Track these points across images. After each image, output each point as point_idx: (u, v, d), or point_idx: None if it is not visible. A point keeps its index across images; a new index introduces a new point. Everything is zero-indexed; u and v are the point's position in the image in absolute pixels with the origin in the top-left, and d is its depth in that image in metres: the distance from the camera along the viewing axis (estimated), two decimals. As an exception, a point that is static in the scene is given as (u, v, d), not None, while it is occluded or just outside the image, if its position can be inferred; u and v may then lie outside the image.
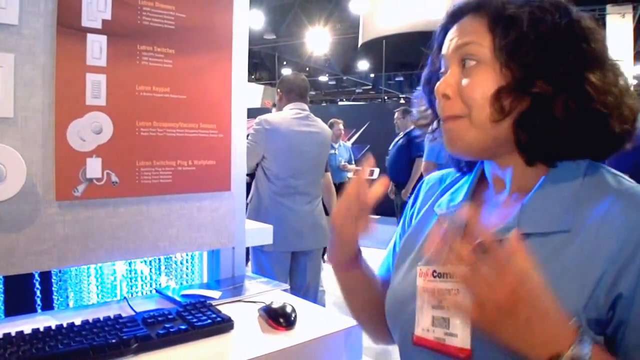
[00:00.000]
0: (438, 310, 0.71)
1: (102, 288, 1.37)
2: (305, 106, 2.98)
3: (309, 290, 2.99)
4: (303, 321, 1.16)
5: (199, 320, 1.08)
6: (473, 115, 0.71)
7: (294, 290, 2.97)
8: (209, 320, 1.08)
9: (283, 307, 1.18)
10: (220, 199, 1.38)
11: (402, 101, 13.53)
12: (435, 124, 0.85)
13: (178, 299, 1.27)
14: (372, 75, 15.05)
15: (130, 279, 1.42)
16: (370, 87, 16.22)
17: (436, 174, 0.96)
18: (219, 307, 1.20)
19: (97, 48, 1.13)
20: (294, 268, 2.99)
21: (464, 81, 0.71)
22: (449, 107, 0.73)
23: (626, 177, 0.70)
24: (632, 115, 0.69)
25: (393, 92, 15.89)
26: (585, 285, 0.62)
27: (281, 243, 2.63)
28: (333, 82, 16.91)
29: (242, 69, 1.42)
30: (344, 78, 15.91)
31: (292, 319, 1.15)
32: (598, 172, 0.70)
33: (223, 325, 1.09)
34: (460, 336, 0.69)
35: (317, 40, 11.31)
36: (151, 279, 1.48)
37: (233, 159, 1.39)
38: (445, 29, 0.79)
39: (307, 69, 13.17)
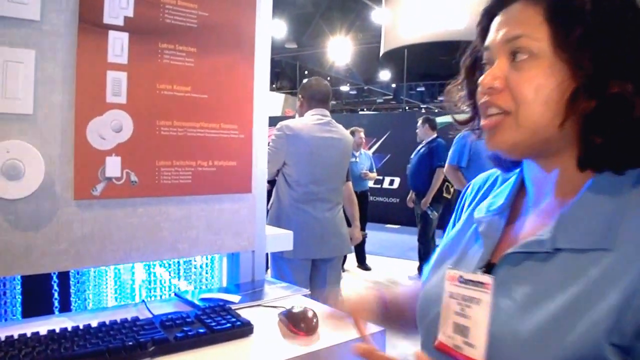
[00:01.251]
0: (460, 317, 0.68)
1: (120, 291, 1.35)
2: (327, 112, 2.94)
3: (328, 299, 2.93)
4: (324, 327, 1.12)
5: (218, 324, 1.04)
6: (521, 113, 0.65)
7: (315, 298, 2.92)
8: (228, 324, 1.05)
9: (304, 312, 1.14)
10: (240, 201, 1.35)
11: (423, 111, 13.46)
12: (476, 121, 0.79)
13: (197, 302, 1.24)
14: (393, 85, 14.99)
15: (150, 282, 1.40)
16: (391, 97, 16.16)
17: (482, 176, 0.90)
18: (238, 311, 1.17)
19: (118, 45, 1.12)
20: (314, 275, 2.94)
21: (514, 75, 0.65)
22: (495, 100, 0.67)
23: None
24: None
25: (414, 102, 15.81)
26: (614, 306, 0.56)
27: (302, 250, 2.59)
28: (354, 92, 16.91)
29: (265, 69, 1.39)
30: (365, 88, 15.89)
31: (313, 324, 1.11)
32: None
33: (242, 329, 1.06)
34: (477, 347, 0.64)
35: (339, 49, 11.32)
36: (170, 283, 1.45)
37: (254, 160, 1.36)
38: (490, 13, 0.72)
39: (329, 78, 13.15)
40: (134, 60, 1.14)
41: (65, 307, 1.26)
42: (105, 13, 1.10)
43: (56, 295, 1.25)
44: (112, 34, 1.11)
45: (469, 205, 0.87)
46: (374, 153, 8.85)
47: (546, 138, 0.65)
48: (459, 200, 0.92)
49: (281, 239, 1.66)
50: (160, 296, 1.42)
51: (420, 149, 5.39)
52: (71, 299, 1.27)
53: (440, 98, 15.30)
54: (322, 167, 2.82)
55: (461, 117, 0.81)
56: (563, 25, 0.62)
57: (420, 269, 5.26)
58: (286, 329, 1.12)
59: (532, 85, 0.64)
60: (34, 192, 1.02)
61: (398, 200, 8.95)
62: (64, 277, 1.28)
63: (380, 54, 8.73)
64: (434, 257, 0.84)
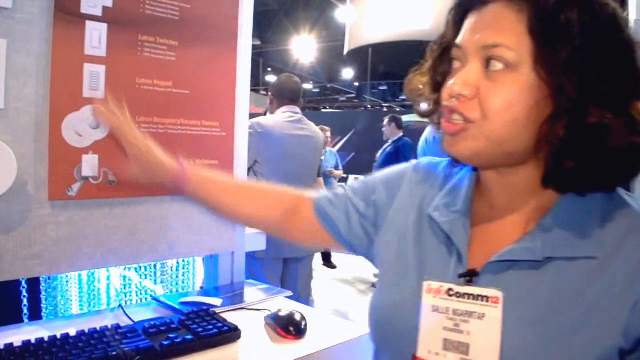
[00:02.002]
0: (453, 332, 0.63)
1: (93, 296, 1.28)
2: (298, 109, 2.91)
3: (300, 298, 2.90)
4: (313, 330, 1.10)
5: (205, 329, 1.00)
6: (488, 126, 0.61)
7: (296, 299, 2.89)
8: (215, 330, 1.01)
9: (292, 315, 1.11)
10: (222, 201, 1.31)
11: (385, 110, 13.56)
12: (436, 117, 0.74)
13: (177, 307, 1.19)
14: (356, 83, 15.06)
15: (124, 286, 1.34)
16: (354, 95, 16.23)
17: (424, 163, 0.83)
18: (222, 315, 1.12)
19: (96, 37, 1.05)
20: (286, 275, 2.91)
21: (486, 85, 0.61)
22: (461, 108, 0.62)
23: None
24: None
25: (377, 101, 15.93)
26: (621, 315, 0.57)
27: (273, 249, 2.55)
28: (317, 90, 16.89)
29: (246, 65, 1.35)
30: (329, 86, 15.90)
31: (303, 327, 1.08)
32: (617, 195, 0.64)
33: (230, 334, 1.02)
34: None
35: (303, 47, 11.27)
36: (143, 286, 1.40)
37: (236, 159, 1.32)
38: (465, 6, 0.67)
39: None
40: (113, 53, 1.08)
41: (36, 315, 1.19)
42: (83, 2, 1.03)
43: (25, 301, 1.17)
44: (89, 24, 1.04)
45: (411, 193, 0.79)
46: (338, 151, 8.86)
47: (510, 152, 0.63)
48: (395, 172, 0.84)
49: (254, 238, 1.61)
50: (137, 300, 1.36)
51: (387, 147, 5.42)
52: (42, 305, 1.20)
53: (402, 97, 15.47)
54: (295, 165, 2.79)
55: (424, 108, 0.76)
56: (548, 44, 0.58)
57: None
58: (274, 333, 1.08)
59: (504, 99, 0.60)
60: (5, 192, 0.95)
61: (362, 198, 8.95)
62: (33, 282, 1.20)
63: (345, 53, 8.73)
64: (385, 261, 0.77)
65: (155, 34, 1.13)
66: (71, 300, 1.27)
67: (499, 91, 0.60)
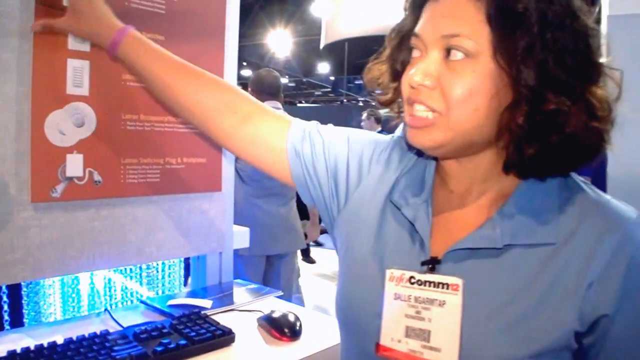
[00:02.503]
0: (415, 320, 0.64)
1: (77, 300, 1.24)
2: (280, 104, 2.88)
3: (283, 295, 2.88)
4: (308, 330, 1.08)
5: (198, 333, 0.97)
6: (452, 115, 0.61)
7: (286, 299, 2.87)
8: (209, 334, 0.98)
9: (286, 316, 1.09)
10: (210, 199, 1.28)
11: (360, 104, 13.58)
12: (396, 106, 0.74)
13: (166, 310, 1.16)
14: (332, 78, 15.03)
15: (109, 288, 1.29)
16: (329, 89, 16.21)
17: (378, 142, 0.81)
18: (213, 318, 1.10)
19: (79, 31, 1.01)
20: (268, 272, 2.89)
21: (447, 74, 0.61)
22: (424, 99, 0.62)
23: (593, 186, 0.66)
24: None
25: (352, 95, 15.94)
26: (575, 300, 0.59)
27: (256, 246, 2.52)
28: (293, 84, 16.80)
29: (233, 61, 1.32)
30: (304, 80, 15.84)
31: (298, 328, 1.06)
32: (573, 181, 0.65)
33: (224, 338, 1.00)
34: (445, 351, 0.61)
35: (278, 41, 11.18)
36: (128, 287, 1.35)
37: (224, 157, 1.29)
38: None
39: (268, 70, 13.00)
40: (97, 48, 1.03)
41: (17, 322, 1.14)
42: (65, -6, 0.98)
43: (6, 307, 1.12)
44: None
45: (370, 171, 0.78)
46: (315, 146, 8.84)
47: (472, 141, 0.63)
48: (364, 152, 0.80)
49: (238, 236, 1.58)
50: (122, 303, 1.32)
51: (365, 142, 5.43)
52: (23, 310, 1.15)
53: (379, 91, 15.48)
54: (276, 161, 2.76)
55: (384, 97, 0.75)
56: (506, 33, 0.58)
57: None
58: (268, 334, 1.06)
59: (465, 88, 0.60)
60: (-14, 194, 0.90)
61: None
62: (14, 287, 1.15)
63: (321, 47, 8.70)
64: (347, 247, 0.76)
65: (141, 28, 1.07)
66: (54, 305, 1.22)
67: (460, 81, 0.60)
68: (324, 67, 13.24)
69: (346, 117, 8.46)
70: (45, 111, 0.98)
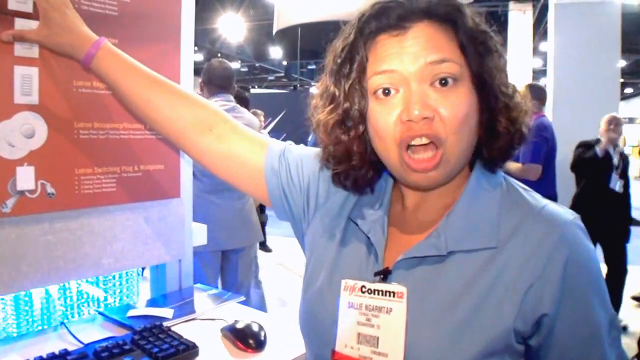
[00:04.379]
0: (366, 327, 0.67)
1: (31, 312, 1.19)
2: (231, 97, 2.82)
3: (241, 289, 2.87)
4: (272, 340, 1.08)
5: (160, 349, 0.96)
6: (452, 141, 0.63)
7: (226, 289, 2.84)
8: (172, 349, 0.97)
9: (249, 326, 1.09)
10: (169, 206, 1.25)
11: (314, 89, 13.47)
12: (364, 169, 0.73)
13: (126, 322, 1.13)
14: (284, 62, 14.89)
15: (65, 298, 1.25)
16: (282, 74, 16.07)
17: None
18: (174, 328, 1.08)
19: (26, 36, 0.95)
20: (225, 267, 2.86)
21: (441, 102, 0.63)
22: (427, 129, 0.63)
23: (534, 192, 0.71)
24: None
25: (305, 80, 15.86)
26: (515, 300, 0.62)
27: (211, 242, 2.48)
28: (245, 69, 16.55)
29: (189, 63, 1.28)
30: (257, 65, 15.63)
31: (262, 338, 1.06)
32: (512, 187, 0.70)
33: (188, 353, 0.98)
34: (391, 356, 0.65)
35: (230, 26, 10.96)
36: (88, 296, 1.31)
37: (182, 162, 1.26)
38: (369, 30, 0.67)
39: (219, 55, 12.73)
40: (46, 54, 0.98)
41: (-34, 339, 1.08)
42: (10, -3, 0.93)
43: (-46, 326, 1.06)
44: (19, 21, 0.94)
45: (328, 194, 0.81)
46: (270, 132, 8.78)
47: (463, 163, 0.68)
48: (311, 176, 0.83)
49: (195, 233, 1.56)
50: (78, 313, 1.28)
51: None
52: (-28, 328, 1.10)
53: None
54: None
55: (338, 150, 0.73)
56: (479, 58, 0.65)
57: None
58: (233, 346, 1.05)
59: (461, 112, 0.63)
60: None
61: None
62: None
63: (274, 32, 8.58)
64: (311, 259, 0.79)
65: (93, 31, 1.04)
66: (6, 319, 1.17)
67: (457, 105, 0.63)
68: (276, 52, 13.10)
69: (301, 103, 8.40)
70: (-8, 122, 0.93)
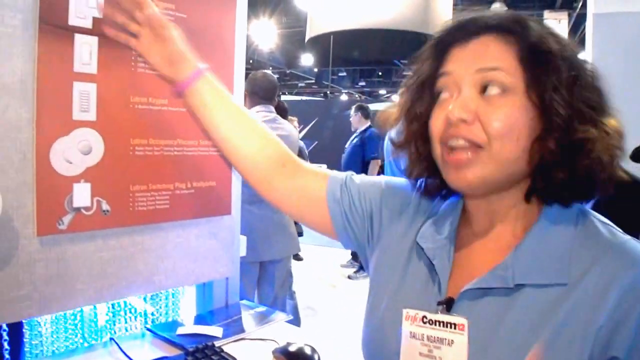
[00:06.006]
0: (428, 358, 0.67)
1: (81, 326, 1.18)
2: (272, 108, 2.82)
3: (276, 301, 2.85)
4: (326, 363, 1.04)
5: (215, 372, 0.93)
6: (494, 148, 0.63)
7: (261, 301, 2.83)
8: (227, 373, 0.94)
9: (302, 350, 1.05)
10: (220, 223, 1.23)
11: (342, 97, 13.53)
12: (413, 146, 0.76)
13: (176, 340, 1.11)
14: (315, 69, 14.93)
15: (113, 314, 1.24)
16: (313, 81, 16.10)
17: (397, 187, 0.85)
18: (225, 348, 1.05)
19: (86, 51, 0.94)
20: (262, 278, 2.84)
21: (485, 108, 0.64)
22: (465, 133, 0.64)
23: (614, 226, 0.67)
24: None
25: (336, 87, 15.88)
26: (585, 341, 0.59)
27: (250, 253, 2.48)
28: (277, 76, 16.64)
29: (241, 77, 1.26)
30: (288, 72, 15.70)
31: (317, 363, 1.03)
32: (589, 220, 0.67)
33: (242, 377, 0.95)
34: None
35: (262, 33, 11.03)
36: (135, 310, 1.30)
37: (234, 179, 1.24)
38: (448, 40, 0.70)
39: (251, 61, 12.85)
40: (105, 69, 0.97)
41: (17, 357, 1.08)
42: (71, 13, 0.92)
43: (6, 345, 1.05)
44: (79, 37, 0.93)
45: (391, 214, 0.82)
46: (302, 139, 8.79)
47: (511, 173, 0.65)
48: (400, 197, 0.84)
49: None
50: (126, 327, 1.27)
51: (354, 139, 5.37)
52: (25, 349, 1.08)
53: (362, 84, 15.47)
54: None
55: (399, 140, 0.79)
56: (538, 73, 0.63)
57: (353, 255, 5.24)
58: (287, 370, 1.02)
59: (506, 120, 0.63)
60: (-11, 231, 0.84)
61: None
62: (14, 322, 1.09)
63: (306, 40, 8.61)
64: (375, 285, 0.80)
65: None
66: (58, 332, 1.16)
67: (498, 114, 0.63)
68: (307, 59, 13.13)
69: (336, 112, 8.39)
70: (51, 138, 0.92)
